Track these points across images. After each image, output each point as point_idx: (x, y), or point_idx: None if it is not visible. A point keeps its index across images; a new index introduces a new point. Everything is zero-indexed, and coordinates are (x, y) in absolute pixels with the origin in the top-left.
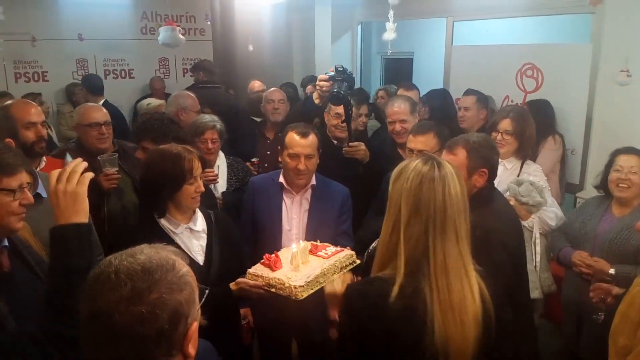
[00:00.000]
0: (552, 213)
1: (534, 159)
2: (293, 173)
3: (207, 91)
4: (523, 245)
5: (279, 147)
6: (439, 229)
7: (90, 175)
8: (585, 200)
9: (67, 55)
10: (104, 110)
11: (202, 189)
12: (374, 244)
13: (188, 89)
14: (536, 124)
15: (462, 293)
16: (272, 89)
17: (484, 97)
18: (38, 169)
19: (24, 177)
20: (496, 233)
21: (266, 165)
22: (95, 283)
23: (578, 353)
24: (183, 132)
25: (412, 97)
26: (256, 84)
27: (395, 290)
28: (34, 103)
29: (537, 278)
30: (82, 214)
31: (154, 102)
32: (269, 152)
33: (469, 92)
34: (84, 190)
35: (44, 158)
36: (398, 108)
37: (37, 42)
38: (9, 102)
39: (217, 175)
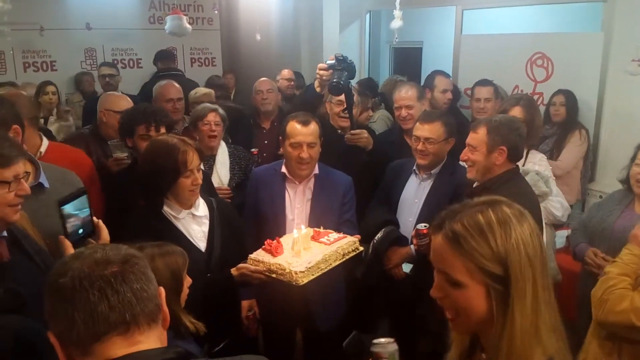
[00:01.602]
0: (557, 203)
1: (558, 153)
2: (296, 162)
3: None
4: (542, 225)
5: (280, 138)
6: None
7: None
8: (608, 195)
9: (75, 45)
10: None
11: (199, 182)
12: (379, 235)
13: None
14: (567, 115)
15: None
16: (261, 79)
17: (497, 87)
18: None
19: (20, 168)
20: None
21: (265, 154)
22: (61, 265)
23: None
24: (172, 120)
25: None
26: (285, 72)
27: None
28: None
29: None
30: None
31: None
32: (266, 142)
33: (485, 82)
34: None
35: (46, 143)
36: (405, 94)
37: (45, 31)
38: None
39: (230, 193)
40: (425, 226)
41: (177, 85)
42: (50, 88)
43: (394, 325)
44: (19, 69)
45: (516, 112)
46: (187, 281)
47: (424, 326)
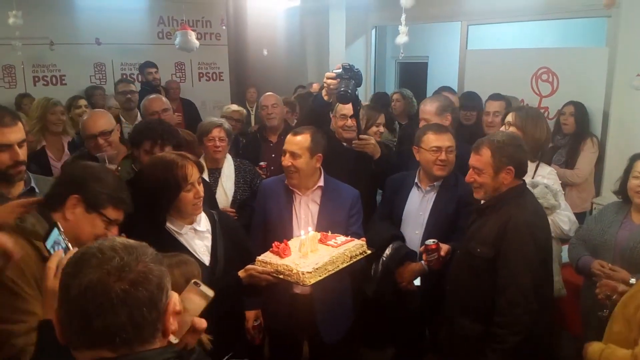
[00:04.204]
0: (565, 217)
1: (573, 162)
2: (283, 169)
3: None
4: (550, 241)
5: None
6: None
7: None
8: (604, 207)
9: (84, 60)
10: None
11: (202, 194)
12: (387, 251)
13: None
14: (577, 125)
15: None
16: (266, 94)
17: (510, 102)
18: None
19: None
20: (527, 226)
21: (272, 168)
22: (80, 261)
23: None
24: (182, 138)
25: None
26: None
27: None
28: (8, 121)
29: None
30: None
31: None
32: (273, 155)
33: (497, 97)
34: None
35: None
36: (424, 107)
37: (55, 46)
38: None
39: (235, 214)
40: (434, 242)
41: (163, 98)
42: (82, 102)
43: (400, 340)
44: (28, 83)
45: (509, 117)
46: None
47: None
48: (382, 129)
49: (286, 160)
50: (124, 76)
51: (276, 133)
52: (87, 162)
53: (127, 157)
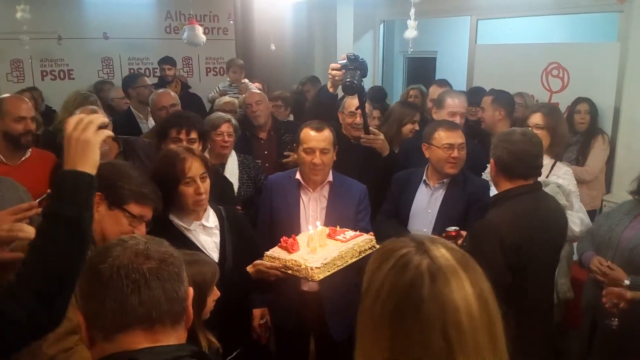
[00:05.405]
0: (577, 219)
1: (584, 159)
2: (308, 168)
3: None
4: (543, 250)
5: (294, 145)
6: None
7: (106, 132)
8: (618, 204)
9: (92, 54)
10: None
11: (203, 190)
12: None
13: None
14: (589, 121)
15: None
16: (251, 91)
17: (504, 97)
18: (23, 159)
19: None
20: (495, 230)
21: (267, 165)
22: (104, 250)
23: (590, 358)
24: (204, 127)
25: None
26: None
27: None
28: (25, 99)
29: (554, 283)
30: (88, 164)
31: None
32: (266, 152)
33: (489, 92)
34: (97, 140)
35: (30, 149)
36: (455, 101)
37: (63, 40)
38: (4, 95)
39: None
40: (455, 229)
41: (171, 93)
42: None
43: None
44: (36, 77)
45: (536, 118)
46: (215, 294)
47: None
48: (417, 126)
49: (317, 159)
50: (132, 71)
51: (265, 130)
52: (114, 161)
53: (120, 154)
